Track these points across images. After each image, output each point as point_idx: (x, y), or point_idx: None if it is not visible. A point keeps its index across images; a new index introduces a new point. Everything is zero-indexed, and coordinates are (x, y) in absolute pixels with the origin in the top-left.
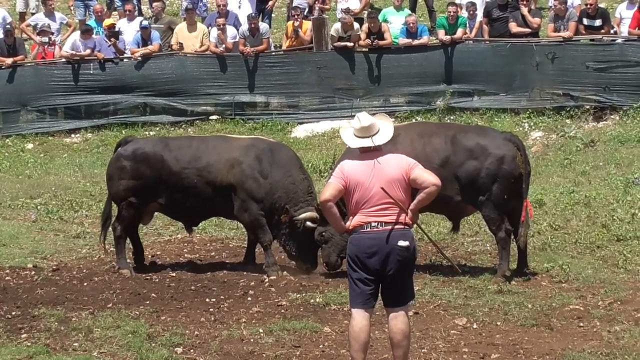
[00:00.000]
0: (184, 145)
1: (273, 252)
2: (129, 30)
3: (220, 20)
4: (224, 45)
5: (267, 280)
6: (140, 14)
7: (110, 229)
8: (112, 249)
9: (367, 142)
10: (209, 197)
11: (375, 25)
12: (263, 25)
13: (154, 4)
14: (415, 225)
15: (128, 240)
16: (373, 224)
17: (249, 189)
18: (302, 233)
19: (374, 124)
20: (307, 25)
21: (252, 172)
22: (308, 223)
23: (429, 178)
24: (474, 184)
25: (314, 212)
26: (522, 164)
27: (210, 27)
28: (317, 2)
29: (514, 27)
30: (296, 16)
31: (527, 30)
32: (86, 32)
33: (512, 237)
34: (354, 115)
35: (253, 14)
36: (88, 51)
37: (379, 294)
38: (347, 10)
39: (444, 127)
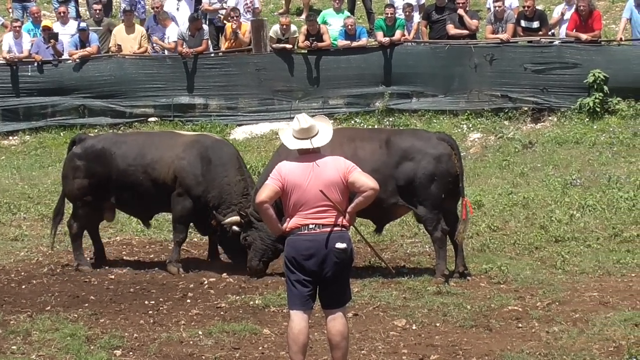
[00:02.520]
0: (132, 141)
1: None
2: (64, 34)
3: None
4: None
5: (206, 282)
6: (78, 16)
7: (67, 226)
8: (57, 247)
9: (305, 144)
10: (154, 192)
11: (314, 28)
12: (203, 27)
13: (94, 7)
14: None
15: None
16: (311, 226)
17: (186, 185)
18: (233, 236)
19: (313, 126)
20: (246, 27)
21: (192, 168)
22: (234, 227)
23: (367, 182)
24: (411, 184)
25: (238, 217)
26: (457, 162)
27: (149, 30)
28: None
29: (451, 29)
30: (235, 18)
31: (465, 32)
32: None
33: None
34: (293, 117)
35: (196, 15)
36: (26, 52)
37: (317, 296)
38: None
39: (376, 131)
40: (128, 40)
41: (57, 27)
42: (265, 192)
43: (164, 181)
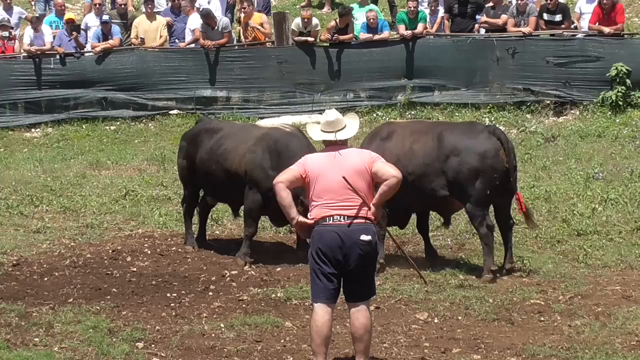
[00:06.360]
0: (219, 129)
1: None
2: (94, 25)
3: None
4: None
5: (227, 274)
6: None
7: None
8: (79, 239)
9: (330, 136)
10: (227, 183)
11: (344, 22)
12: (224, 20)
13: (120, 1)
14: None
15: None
16: (336, 217)
17: (255, 178)
18: None
19: (340, 120)
20: (259, 18)
21: (261, 162)
22: None
23: (389, 170)
24: (458, 179)
25: None
26: (505, 157)
27: (175, 21)
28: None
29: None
30: (243, 10)
31: (494, 21)
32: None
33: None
34: (314, 110)
35: (207, 11)
36: (48, 44)
37: (341, 289)
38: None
39: (434, 124)
40: (150, 31)
41: (90, 18)
42: (284, 175)
43: (236, 172)
